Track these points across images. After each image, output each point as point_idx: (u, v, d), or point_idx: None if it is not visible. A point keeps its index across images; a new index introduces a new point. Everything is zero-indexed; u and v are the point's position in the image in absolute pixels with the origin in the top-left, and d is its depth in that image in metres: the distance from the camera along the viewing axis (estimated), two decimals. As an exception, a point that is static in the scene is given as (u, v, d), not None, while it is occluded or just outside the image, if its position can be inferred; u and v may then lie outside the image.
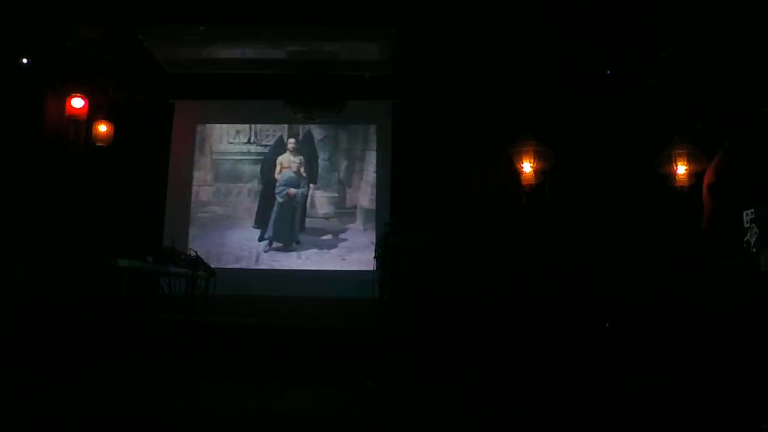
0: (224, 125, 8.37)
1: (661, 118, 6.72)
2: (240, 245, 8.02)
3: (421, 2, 6.17)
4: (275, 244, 8.01)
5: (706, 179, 5.57)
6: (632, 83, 6.72)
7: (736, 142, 5.29)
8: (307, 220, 8.06)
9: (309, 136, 8.24)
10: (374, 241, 7.28)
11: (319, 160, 8.20)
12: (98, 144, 7.53)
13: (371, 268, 6.43)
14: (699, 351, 4.34)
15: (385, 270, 5.82)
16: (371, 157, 8.17)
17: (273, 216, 8.05)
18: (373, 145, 8.20)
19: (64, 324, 5.25)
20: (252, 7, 6.25)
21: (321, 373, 5.37)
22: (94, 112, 7.55)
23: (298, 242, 7.99)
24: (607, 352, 4.94)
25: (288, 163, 8.16)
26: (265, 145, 8.27)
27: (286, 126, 8.25)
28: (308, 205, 8.10)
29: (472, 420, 4.02)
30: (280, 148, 8.23)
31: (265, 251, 7.99)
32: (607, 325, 5.35)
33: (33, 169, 6.82)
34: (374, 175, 8.10)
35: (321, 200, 8.12)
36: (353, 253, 7.87)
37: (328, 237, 8.01)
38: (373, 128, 8.25)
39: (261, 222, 8.07)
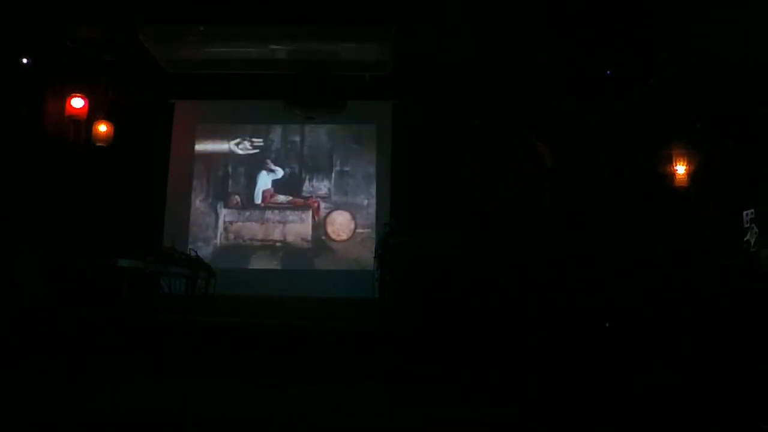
0: (224, 125, 8.38)
1: (661, 118, 6.72)
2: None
3: (421, 2, 6.17)
4: (275, 245, 8.02)
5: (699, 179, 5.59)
6: (632, 83, 6.72)
7: (737, 142, 5.30)
8: (306, 220, 8.08)
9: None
10: (374, 240, 7.29)
11: (310, 166, 8.20)
12: (98, 144, 7.54)
13: (371, 268, 6.44)
14: (699, 351, 4.34)
15: (385, 270, 5.82)
16: (371, 157, 8.17)
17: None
18: (373, 145, 8.19)
19: (64, 324, 5.25)
20: (252, 7, 6.25)
21: (321, 373, 5.37)
22: (94, 112, 7.55)
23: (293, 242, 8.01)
24: (607, 353, 4.94)
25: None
26: (264, 146, 8.30)
27: (279, 129, 8.28)
28: (305, 204, 8.12)
29: (472, 420, 4.01)
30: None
31: (265, 251, 8.00)
32: (607, 325, 5.36)
33: (33, 169, 6.82)
34: (374, 174, 8.11)
35: (320, 200, 8.12)
36: (353, 253, 7.88)
37: (328, 237, 8.02)
38: (373, 128, 8.25)
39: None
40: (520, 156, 7.37)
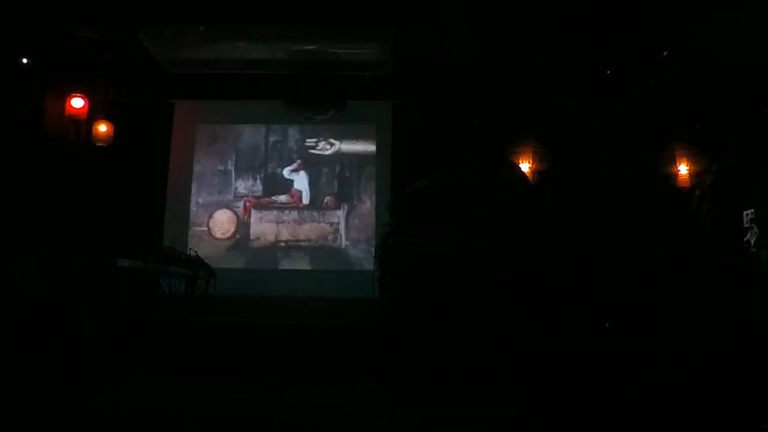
0: (224, 125, 8.37)
1: (661, 118, 6.73)
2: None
3: (421, 2, 6.17)
4: (275, 245, 8.02)
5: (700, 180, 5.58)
6: (632, 83, 6.72)
7: (737, 142, 5.29)
8: (307, 220, 8.08)
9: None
10: (374, 240, 7.28)
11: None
12: (98, 144, 7.54)
13: (371, 268, 6.43)
14: (699, 351, 4.34)
15: (385, 270, 5.81)
16: (371, 157, 8.17)
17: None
18: (373, 145, 8.20)
19: (64, 324, 5.25)
20: (252, 7, 6.25)
21: (321, 373, 5.38)
22: (94, 112, 7.55)
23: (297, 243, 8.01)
24: (607, 353, 4.94)
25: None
26: (265, 146, 8.29)
27: (279, 129, 8.27)
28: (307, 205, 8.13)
29: (472, 420, 4.02)
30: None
31: (265, 251, 8.00)
32: (607, 325, 5.35)
33: (33, 169, 6.82)
34: (374, 174, 8.10)
35: (321, 200, 8.12)
36: (353, 253, 7.88)
37: (328, 237, 8.02)
38: (373, 128, 8.25)
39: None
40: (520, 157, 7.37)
